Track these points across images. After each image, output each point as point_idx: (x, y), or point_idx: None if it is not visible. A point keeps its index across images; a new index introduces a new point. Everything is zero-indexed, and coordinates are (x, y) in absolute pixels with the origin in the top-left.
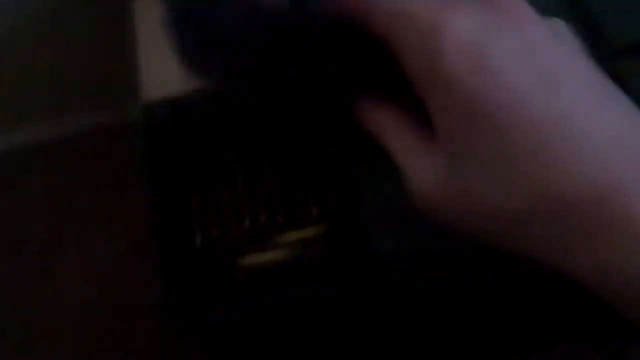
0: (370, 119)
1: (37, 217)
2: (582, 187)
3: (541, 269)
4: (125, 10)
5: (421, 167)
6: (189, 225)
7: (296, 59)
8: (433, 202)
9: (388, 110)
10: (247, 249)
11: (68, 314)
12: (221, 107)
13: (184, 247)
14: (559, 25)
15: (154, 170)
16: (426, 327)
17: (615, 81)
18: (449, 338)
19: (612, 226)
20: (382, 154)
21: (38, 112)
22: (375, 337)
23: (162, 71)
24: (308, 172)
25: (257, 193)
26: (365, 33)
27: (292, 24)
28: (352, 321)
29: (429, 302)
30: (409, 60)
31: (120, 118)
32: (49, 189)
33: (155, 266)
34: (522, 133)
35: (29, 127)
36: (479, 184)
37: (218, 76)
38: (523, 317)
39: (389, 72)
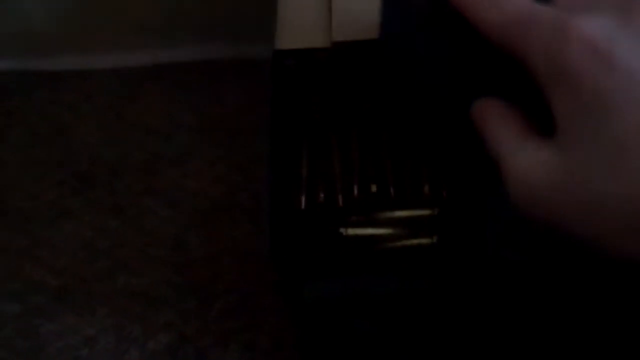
0: (478, 111)
1: (137, 142)
2: None
3: None
4: None
5: (528, 159)
6: (297, 184)
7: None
8: (537, 196)
9: (495, 102)
10: (352, 220)
11: (160, 249)
12: (349, 68)
13: (290, 207)
14: None
15: (276, 119)
16: (519, 336)
17: None
18: (541, 350)
19: None
20: None
21: (180, 36)
22: (461, 337)
23: (297, 23)
24: (427, 152)
25: (369, 162)
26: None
27: None
28: (441, 317)
29: (529, 311)
30: (533, 58)
31: (247, 56)
32: (163, 106)
33: (264, 220)
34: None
35: (172, 48)
36: (599, 182)
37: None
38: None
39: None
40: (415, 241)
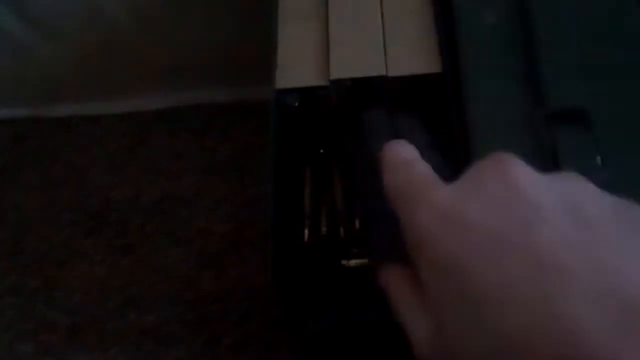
0: (382, 279)
1: (147, 183)
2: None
3: None
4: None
5: (416, 321)
6: (301, 217)
7: None
8: (428, 356)
9: (394, 271)
10: (354, 252)
11: (170, 286)
12: (348, 104)
13: (293, 240)
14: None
15: (279, 155)
16: None
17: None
18: None
19: None
20: None
21: (185, 80)
22: None
23: (296, 62)
24: None
25: None
26: None
27: None
28: None
29: None
30: (402, 226)
31: (253, 97)
32: (172, 148)
33: (267, 255)
34: (492, 283)
35: (180, 92)
36: (463, 341)
37: None
38: None
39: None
40: None
